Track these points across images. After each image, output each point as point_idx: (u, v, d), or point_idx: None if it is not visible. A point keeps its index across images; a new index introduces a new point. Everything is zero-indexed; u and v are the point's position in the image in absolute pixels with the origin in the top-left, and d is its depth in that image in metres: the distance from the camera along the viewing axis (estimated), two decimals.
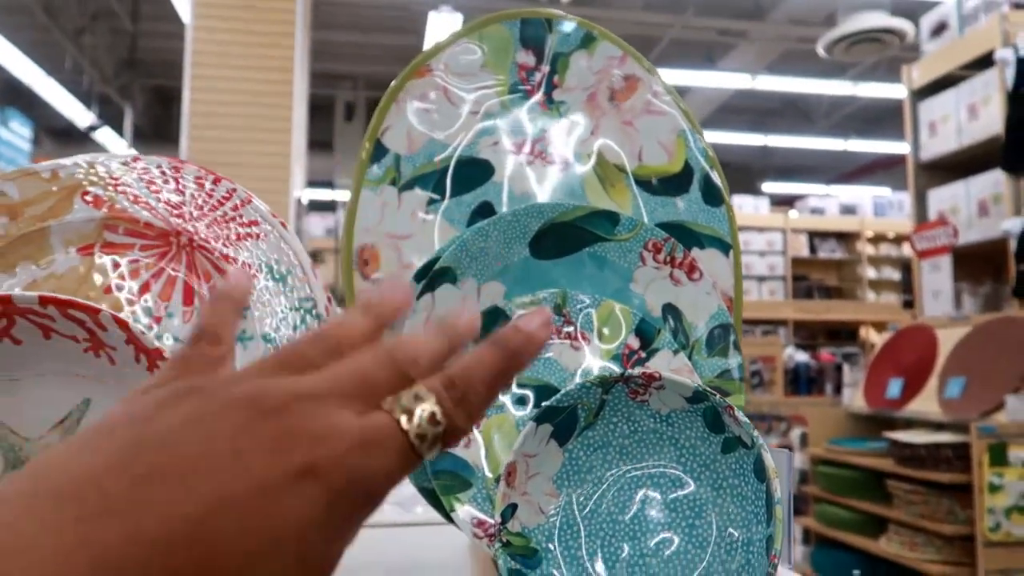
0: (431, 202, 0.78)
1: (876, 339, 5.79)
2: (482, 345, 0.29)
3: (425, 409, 0.27)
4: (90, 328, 0.49)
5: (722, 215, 0.83)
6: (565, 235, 0.73)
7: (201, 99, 4.51)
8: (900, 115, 3.91)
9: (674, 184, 0.83)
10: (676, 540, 0.53)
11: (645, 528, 0.55)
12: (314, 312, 0.62)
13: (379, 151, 0.78)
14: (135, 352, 0.49)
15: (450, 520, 0.68)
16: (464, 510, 0.62)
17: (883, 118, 8.50)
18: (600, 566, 0.54)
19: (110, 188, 0.61)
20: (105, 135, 7.79)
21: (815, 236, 7.72)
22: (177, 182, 0.62)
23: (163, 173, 0.62)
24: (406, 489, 1.06)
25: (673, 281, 0.74)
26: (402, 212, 0.78)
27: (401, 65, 0.84)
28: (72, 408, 0.52)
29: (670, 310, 0.74)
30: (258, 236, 0.62)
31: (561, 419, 0.57)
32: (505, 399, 0.67)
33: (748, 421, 0.50)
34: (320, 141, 8.02)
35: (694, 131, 0.84)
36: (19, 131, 6.59)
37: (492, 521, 0.62)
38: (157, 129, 9.07)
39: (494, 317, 0.70)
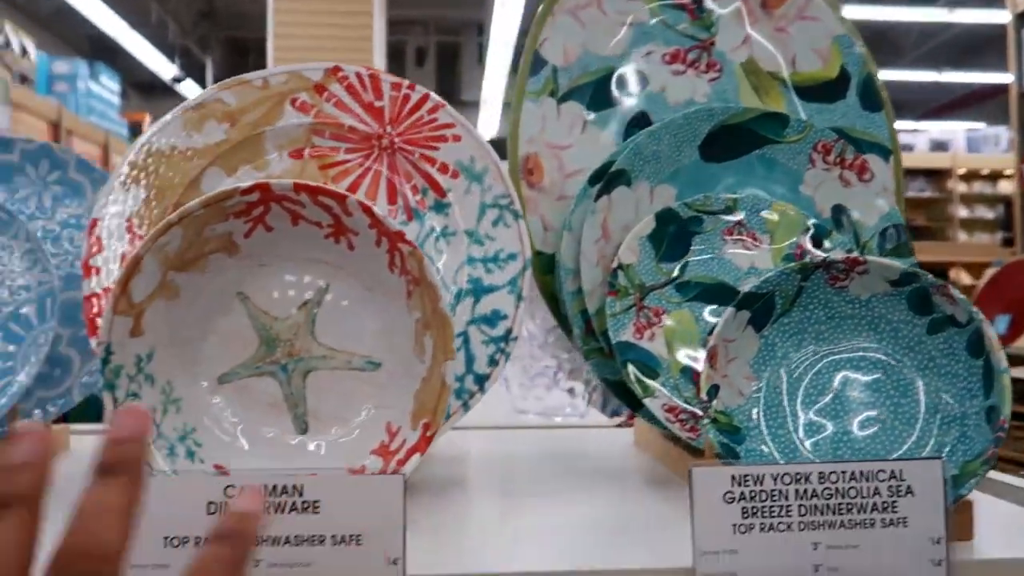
0: (588, 113, 0.80)
1: (968, 281, 5.58)
2: (207, 544, 0.29)
3: None
4: (335, 214, 0.53)
5: (881, 120, 0.83)
6: (735, 138, 0.74)
7: (283, 46, 4.57)
8: (1000, 43, 3.69)
9: (830, 90, 0.82)
10: (881, 418, 0.55)
11: (847, 408, 0.57)
12: (511, 208, 0.65)
13: (537, 63, 0.80)
14: (376, 236, 0.53)
15: (636, 410, 0.72)
16: (653, 399, 0.65)
17: (980, 47, 8.02)
18: (805, 443, 0.56)
19: (316, 95, 0.65)
20: (188, 87, 8.00)
21: (903, 174, 7.41)
22: (376, 89, 0.66)
23: (361, 81, 0.66)
24: (551, 400, 1.10)
25: (843, 182, 0.74)
26: (561, 123, 0.80)
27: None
28: (312, 292, 0.57)
29: (840, 211, 0.74)
30: (457, 138, 0.65)
31: (759, 305, 0.59)
32: (683, 296, 0.70)
33: (964, 297, 0.51)
34: None
35: (851, 35, 0.83)
36: (108, 85, 6.82)
37: (682, 406, 0.65)
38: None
39: (667, 218, 0.71)
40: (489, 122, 8.75)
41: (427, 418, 0.52)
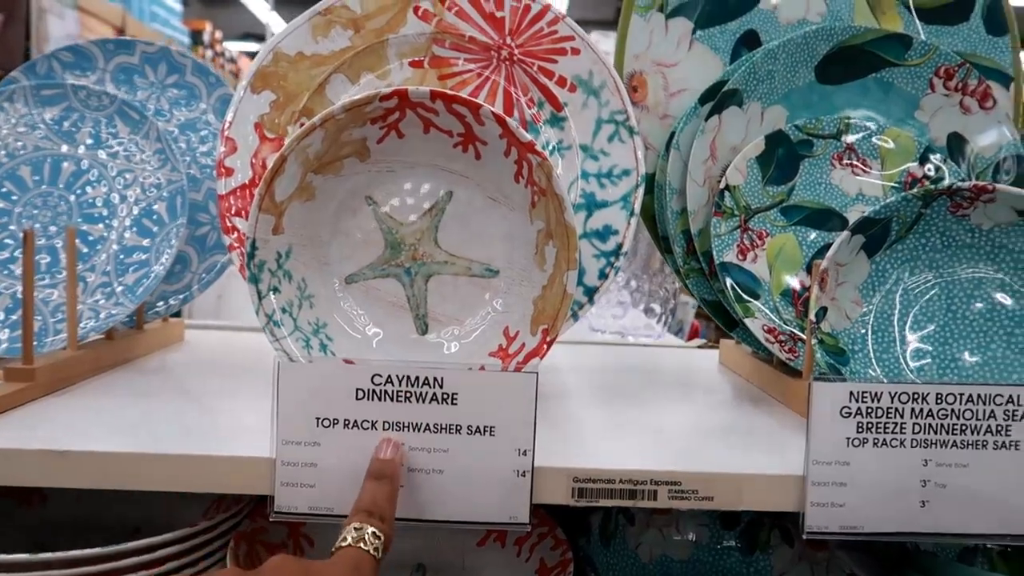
0: (696, 30, 0.79)
1: None
2: (367, 481, 0.44)
3: (367, 531, 0.41)
4: (468, 123, 0.54)
5: (1004, 45, 0.79)
6: (853, 59, 0.73)
7: None
8: None
9: (953, 12, 0.79)
10: (992, 347, 0.56)
11: (956, 334, 0.57)
12: (627, 124, 0.65)
13: None
14: (506, 146, 0.55)
15: (730, 330, 0.73)
16: (754, 320, 0.66)
17: None
18: (912, 366, 0.57)
19: (438, 3, 0.66)
20: None
21: None
22: None
23: None
24: (627, 320, 1.12)
25: (963, 109, 0.72)
26: (668, 39, 0.79)
27: None
28: (438, 199, 0.59)
29: (956, 139, 0.73)
30: (576, 51, 0.65)
31: (874, 231, 0.59)
32: (788, 220, 0.70)
33: None
34: None
35: None
36: None
37: (782, 327, 0.66)
38: None
39: (777, 141, 0.71)
40: None
41: (547, 324, 0.54)
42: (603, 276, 0.64)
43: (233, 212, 0.63)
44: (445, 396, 0.45)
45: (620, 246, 0.64)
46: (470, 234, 0.59)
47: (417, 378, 0.45)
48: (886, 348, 0.58)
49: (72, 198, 0.69)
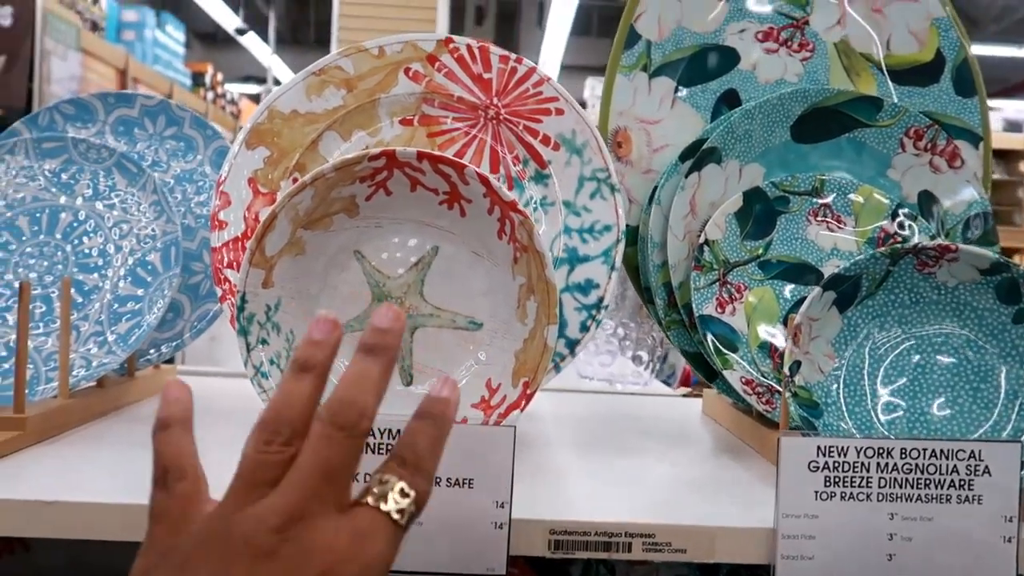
0: (678, 89, 0.82)
1: None
2: (412, 420, 0.36)
3: (394, 487, 0.33)
4: (453, 182, 0.57)
5: (973, 106, 0.83)
6: (827, 120, 0.76)
7: (350, 1, 4.60)
8: None
9: (924, 73, 0.83)
10: (959, 400, 0.58)
11: (926, 389, 0.59)
12: (608, 181, 0.68)
13: (632, 37, 0.82)
14: (490, 204, 0.57)
15: (711, 381, 0.75)
16: (732, 371, 0.68)
17: None
18: (882, 419, 0.59)
19: (428, 65, 0.69)
20: (250, 39, 8.09)
21: None
22: (485, 61, 0.69)
23: (472, 52, 0.69)
24: (615, 367, 1.14)
25: (933, 168, 0.75)
26: (652, 98, 0.82)
27: None
28: (424, 253, 0.61)
29: (927, 197, 0.75)
30: (560, 111, 0.68)
31: (845, 287, 0.61)
32: (765, 274, 0.72)
33: None
34: None
35: (950, 18, 0.83)
36: (173, 35, 6.95)
37: (759, 379, 0.68)
38: (295, 34, 9.34)
39: (755, 197, 0.74)
40: None
41: (527, 376, 0.56)
42: (585, 329, 0.65)
43: (225, 264, 0.65)
44: None
45: (601, 299, 0.66)
46: (455, 288, 0.61)
47: (399, 431, 0.47)
48: (858, 402, 0.60)
49: (68, 248, 0.71)
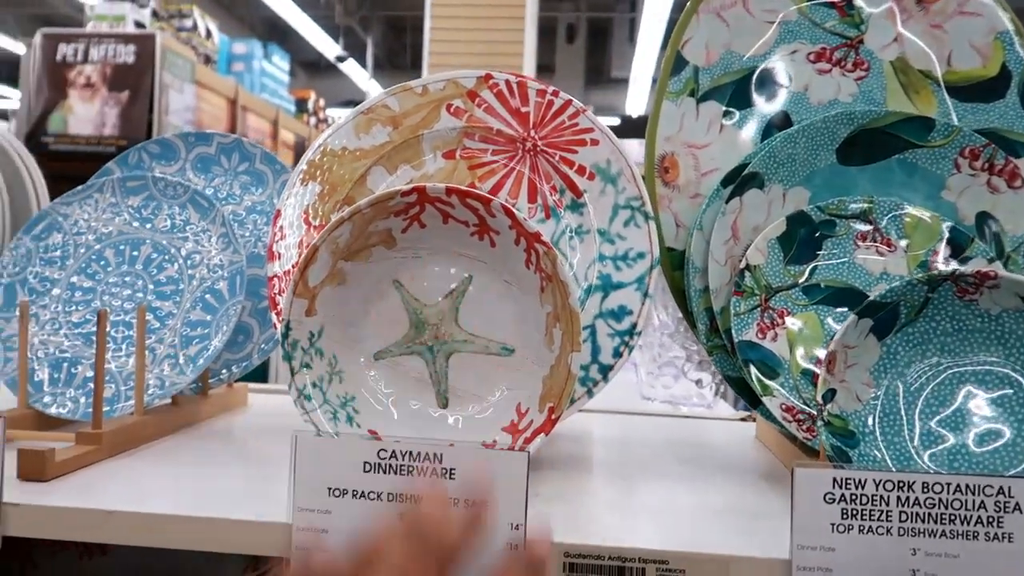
0: (727, 113, 0.82)
1: None
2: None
3: None
4: (481, 215, 0.59)
5: None
6: (875, 142, 0.74)
7: (441, 27, 4.74)
8: None
9: (988, 89, 0.80)
10: (1004, 433, 0.55)
11: (968, 421, 0.57)
12: (642, 209, 0.69)
13: (679, 64, 0.82)
14: (516, 235, 0.59)
15: (754, 407, 0.74)
16: (772, 398, 0.67)
17: None
18: (922, 452, 0.57)
19: (469, 101, 0.72)
20: (349, 66, 8.45)
21: None
22: (523, 95, 0.71)
23: (510, 87, 0.72)
24: (677, 389, 1.13)
25: (991, 189, 0.72)
26: (700, 122, 0.83)
27: None
28: (459, 282, 0.64)
29: (985, 218, 0.73)
30: (595, 142, 0.70)
31: (882, 314, 0.60)
32: (809, 299, 0.71)
33: None
34: (541, 64, 8.15)
35: (1015, 32, 0.80)
36: (279, 64, 7.34)
37: (800, 407, 0.67)
38: (391, 59, 9.67)
39: (799, 221, 0.73)
40: (638, 100, 8.64)
41: (553, 402, 0.58)
42: (618, 355, 0.67)
43: (279, 292, 0.70)
44: (444, 471, 0.49)
45: (635, 326, 0.67)
46: (488, 315, 0.63)
47: (419, 453, 0.49)
48: (896, 432, 0.59)
49: (147, 277, 0.78)
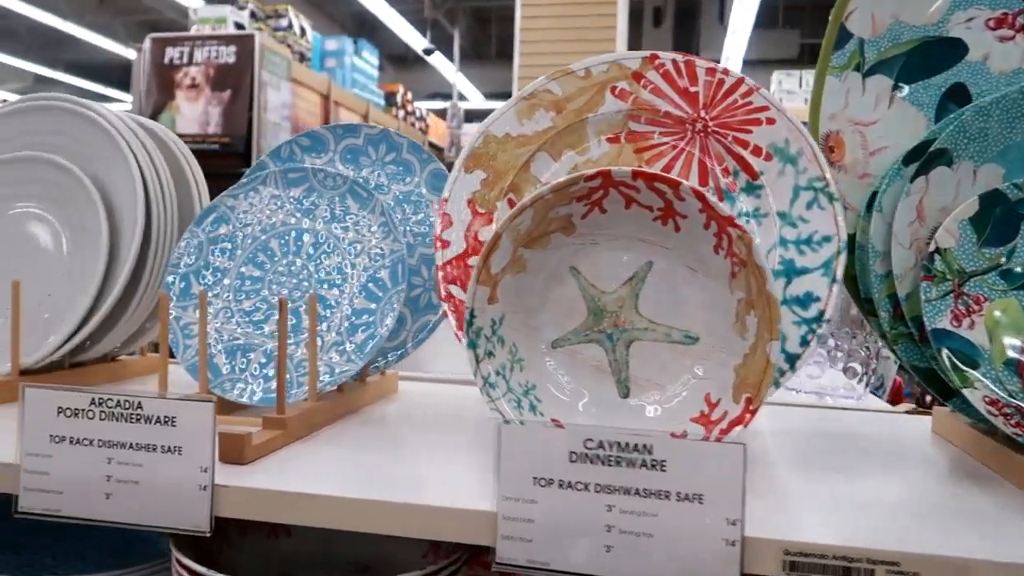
0: (896, 87, 0.77)
1: None
2: None
3: None
4: (668, 199, 0.57)
5: None
6: None
7: (531, 15, 4.72)
8: None
9: None
10: None
11: None
12: (826, 190, 0.65)
13: (842, 36, 0.78)
14: (706, 219, 0.57)
15: (946, 399, 0.70)
16: (973, 390, 0.63)
17: None
18: None
19: (634, 82, 0.70)
20: (436, 59, 8.53)
21: None
22: (691, 75, 0.69)
23: (677, 67, 0.69)
24: (824, 379, 1.08)
25: None
26: (867, 98, 0.78)
27: None
28: (638, 268, 0.62)
29: None
30: (771, 121, 0.66)
31: None
32: (1008, 284, 0.66)
33: None
34: (629, 49, 8.01)
35: None
36: (369, 59, 7.48)
37: (1005, 399, 0.63)
38: (477, 50, 9.71)
39: (993, 200, 0.68)
40: None
41: (750, 392, 0.55)
42: (805, 343, 0.63)
43: (448, 280, 0.69)
44: (654, 463, 0.48)
45: (822, 313, 0.63)
46: (669, 302, 0.61)
47: (627, 444, 0.48)
48: None
49: (312, 267, 0.79)
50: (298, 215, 0.82)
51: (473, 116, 7.82)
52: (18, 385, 0.55)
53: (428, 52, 8.07)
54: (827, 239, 0.65)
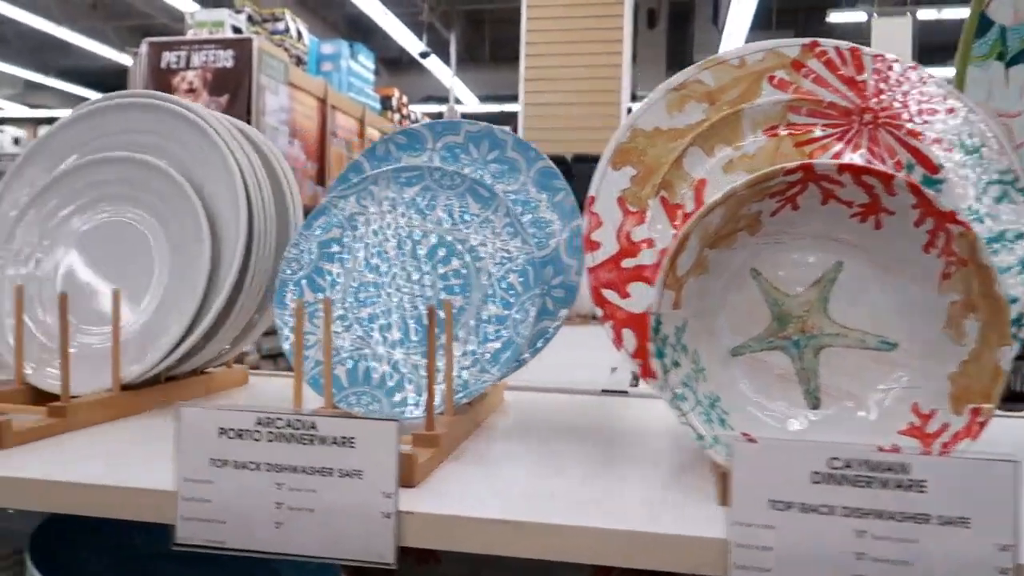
0: None
1: None
2: None
3: None
4: (876, 193, 0.53)
5: None
6: None
7: (537, 16, 4.68)
8: None
9: None
10: None
11: None
12: (1016, 185, 0.61)
13: (984, 25, 0.74)
14: (918, 216, 0.53)
15: None
16: None
17: None
18: None
19: (794, 71, 0.65)
20: (432, 62, 8.47)
21: None
22: (857, 63, 0.65)
23: (841, 55, 0.65)
24: None
25: None
26: (1011, 88, 0.74)
27: None
28: (827, 269, 0.57)
29: None
30: (951, 111, 0.62)
31: None
32: None
33: None
34: None
35: None
36: (364, 63, 7.41)
37: None
38: (472, 54, 9.67)
39: None
40: None
41: (976, 403, 0.51)
42: None
43: (603, 284, 0.65)
44: (911, 483, 0.43)
45: (1022, 315, 0.59)
46: (862, 305, 0.57)
47: (879, 463, 0.44)
48: None
49: (433, 271, 0.74)
50: (414, 217, 0.77)
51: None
52: (129, 401, 0.50)
53: (424, 55, 8.01)
54: (1020, 236, 0.61)
